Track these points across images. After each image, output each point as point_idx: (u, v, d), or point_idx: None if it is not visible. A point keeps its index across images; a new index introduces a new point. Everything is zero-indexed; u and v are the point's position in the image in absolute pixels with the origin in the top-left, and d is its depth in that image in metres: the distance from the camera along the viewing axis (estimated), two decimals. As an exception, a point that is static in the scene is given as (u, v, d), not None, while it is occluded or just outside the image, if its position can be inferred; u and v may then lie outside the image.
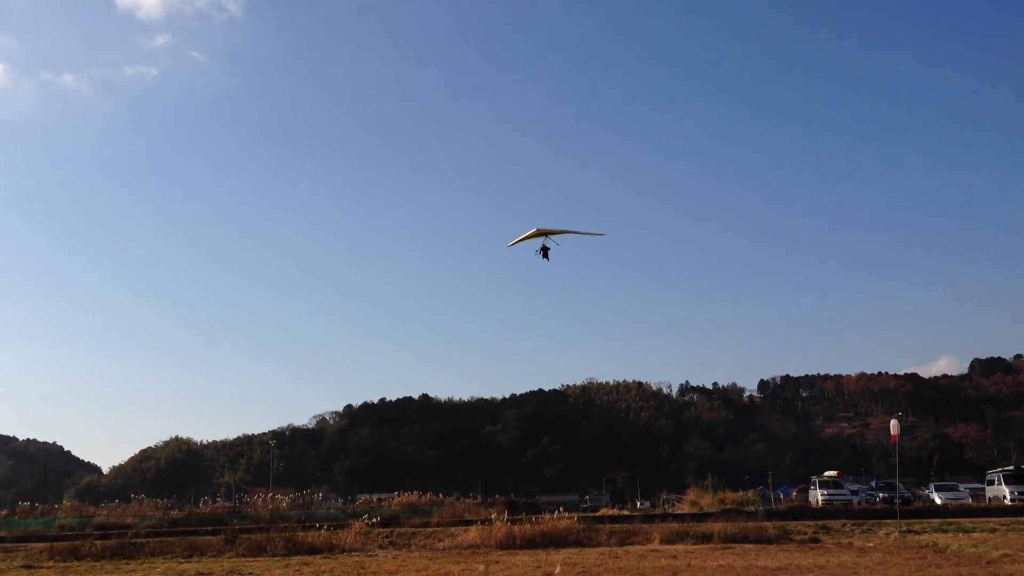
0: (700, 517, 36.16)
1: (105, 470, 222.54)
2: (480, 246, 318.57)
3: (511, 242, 29.14)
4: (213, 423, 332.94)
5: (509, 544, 28.54)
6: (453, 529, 33.90)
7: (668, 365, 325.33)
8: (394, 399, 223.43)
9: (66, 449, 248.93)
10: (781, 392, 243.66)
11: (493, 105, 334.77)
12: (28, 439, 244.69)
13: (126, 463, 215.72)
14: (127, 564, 26.97)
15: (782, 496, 72.34)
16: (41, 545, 33.45)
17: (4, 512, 67.50)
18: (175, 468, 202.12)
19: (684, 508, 55.31)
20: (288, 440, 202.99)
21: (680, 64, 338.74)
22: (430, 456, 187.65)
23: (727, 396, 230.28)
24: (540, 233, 28.81)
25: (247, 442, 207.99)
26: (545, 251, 29.11)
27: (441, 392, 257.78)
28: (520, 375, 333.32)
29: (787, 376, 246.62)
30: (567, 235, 29.14)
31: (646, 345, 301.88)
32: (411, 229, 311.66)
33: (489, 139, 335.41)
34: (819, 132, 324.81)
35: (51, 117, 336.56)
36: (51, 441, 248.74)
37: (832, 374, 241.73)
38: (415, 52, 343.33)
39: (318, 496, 71.93)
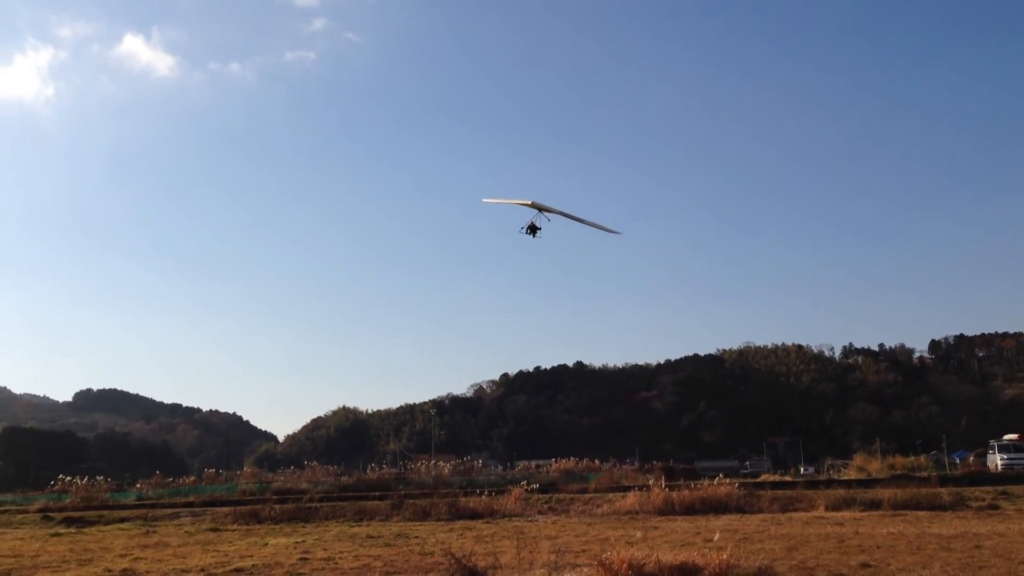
0: (868, 483, 34.88)
1: (280, 438, 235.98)
2: (634, 208, 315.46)
3: (489, 199, 27.60)
4: (377, 393, 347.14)
5: (667, 510, 28.46)
6: (611, 495, 34.06)
7: (829, 327, 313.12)
8: (549, 367, 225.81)
9: (245, 419, 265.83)
10: (955, 352, 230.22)
11: (654, 66, 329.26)
12: (211, 410, 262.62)
13: (299, 432, 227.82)
14: (303, 527, 28.58)
15: (957, 461, 68.74)
16: (225, 509, 35.83)
17: (192, 479, 72.72)
18: (344, 436, 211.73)
19: (850, 474, 53.50)
20: (448, 408, 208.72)
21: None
22: (586, 423, 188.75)
23: (895, 358, 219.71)
24: (534, 206, 27.60)
25: (409, 411, 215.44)
26: (533, 229, 27.74)
27: (596, 359, 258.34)
28: (674, 340, 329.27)
29: (961, 335, 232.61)
30: (584, 225, 27.91)
31: (805, 307, 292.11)
32: (568, 191, 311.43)
33: (654, 101, 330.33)
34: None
35: (220, 105, 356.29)
36: (231, 412, 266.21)
37: (1012, 332, 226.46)
38: (573, 19, 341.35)
39: (478, 463, 73.81)
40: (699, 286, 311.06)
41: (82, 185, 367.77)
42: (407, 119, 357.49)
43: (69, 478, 59.90)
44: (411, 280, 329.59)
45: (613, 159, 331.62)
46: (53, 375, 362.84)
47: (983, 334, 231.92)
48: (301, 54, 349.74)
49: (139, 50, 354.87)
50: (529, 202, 27.08)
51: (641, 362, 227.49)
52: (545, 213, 28.66)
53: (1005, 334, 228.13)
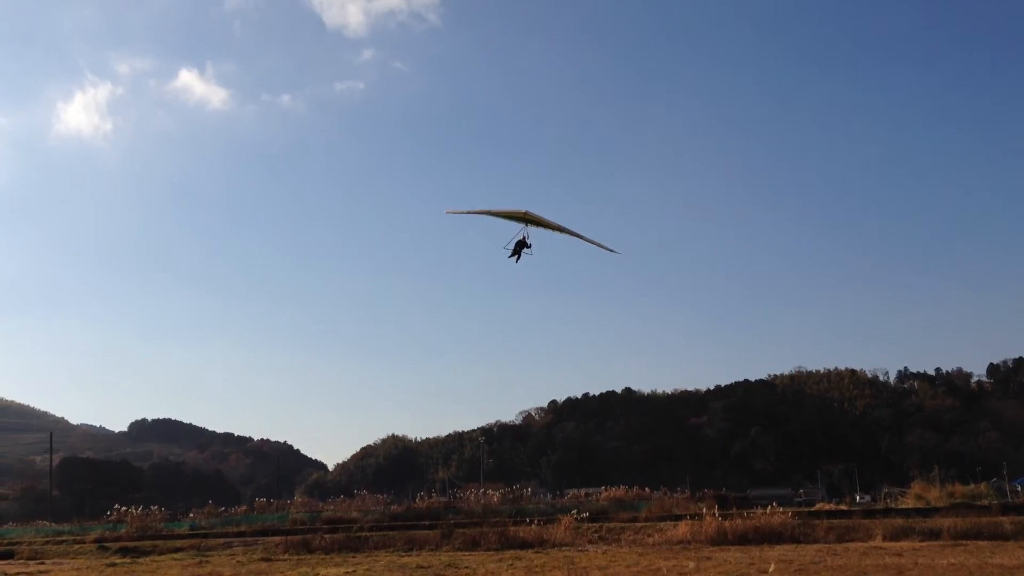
0: (926, 512, 34.07)
1: (330, 467, 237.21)
2: (675, 233, 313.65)
3: (453, 211, 26.53)
4: (427, 422, 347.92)
5: (720, 540, 28.07)
6: (662, 524, 33.70)
7: (883, 351, 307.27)
8: (597, 393, 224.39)
9: (295, 448, 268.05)
10: (1014, 376, 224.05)
11: (698, 92, 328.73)
12: (262, 439, 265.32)
13: (348, 460, 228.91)
14: (354, 557, 28.69)
15: (1019, 488, 66.80)
16: (277, 539, 36.15)
17: (244, 508, 73.37)
18: (393, 464, 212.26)
19: (908, 502, 52.28)
20: (496, 436, 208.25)
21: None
22: (635, 450, 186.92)
23: (952, 382, 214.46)
24: (525, 219, 25.16)
25: (458, 439, 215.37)
26: (519, 248, 25.67)
27: (644, 385, 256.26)
28: (724, 365, 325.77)
29: (1020, 359, 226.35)
30: (585, 242, 26.11)
31: (858, 330, 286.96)
32: (612, 218, 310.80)
33: (692, 129, 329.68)
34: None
35: (272, 137, 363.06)
36: (282, 441, 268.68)
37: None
38: (615, 43, 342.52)
39: (527, 491, 73.44)
40: (749, 311, 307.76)
41: (137, 217, 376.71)
42: (452, 147, 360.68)
43: (124, 508, 60.87)
44: (459, 307, 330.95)
45: (664, 187, 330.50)
46: (109, 406, 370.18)
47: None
48: (350, 84, 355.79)
49: (194, 84, 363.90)
50: (522, 212, 24.94)
51: (691, 388, 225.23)
52: (537, 227, 27.48)
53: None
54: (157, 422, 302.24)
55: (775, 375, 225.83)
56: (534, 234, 25.20)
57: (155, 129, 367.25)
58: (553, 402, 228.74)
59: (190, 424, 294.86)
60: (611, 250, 26.40)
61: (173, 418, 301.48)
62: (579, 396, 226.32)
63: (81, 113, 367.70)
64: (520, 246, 26.34)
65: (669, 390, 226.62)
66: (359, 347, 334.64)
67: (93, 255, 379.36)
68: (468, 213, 26.07)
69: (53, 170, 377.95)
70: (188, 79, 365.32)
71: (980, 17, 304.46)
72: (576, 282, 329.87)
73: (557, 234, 25.92)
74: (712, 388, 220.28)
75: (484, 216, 25.82)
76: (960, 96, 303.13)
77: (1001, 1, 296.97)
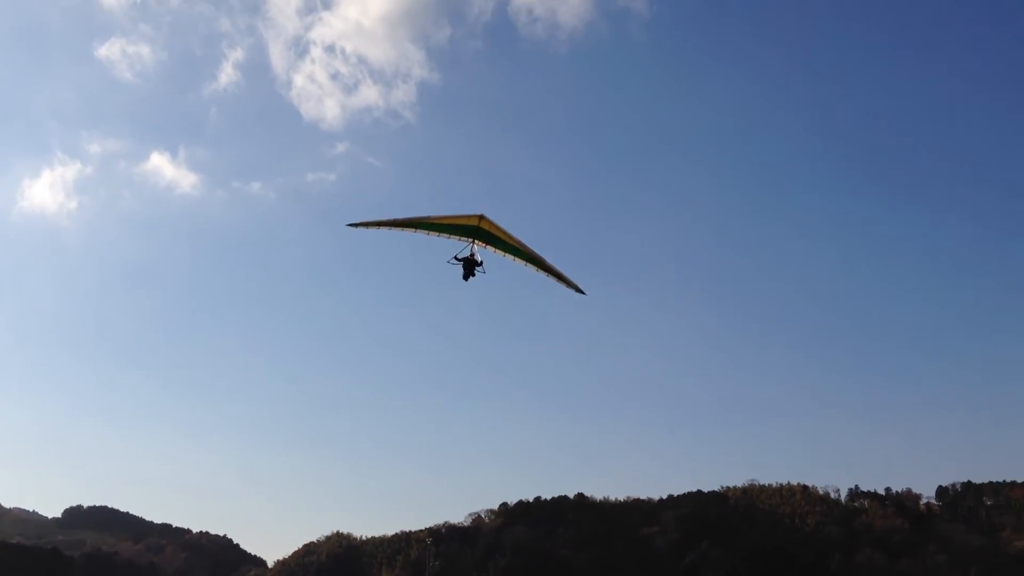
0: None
1: (270, 563, 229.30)
2: (634, 339, 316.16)
3: (356, 223, 24.32)
4: (373, 519, 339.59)
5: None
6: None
7: (836, 468, 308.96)
8: (550, 498, 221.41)
9: (235, 542, 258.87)
10: (962, 500, 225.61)
11: (675, 213, 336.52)
12: (201, 531, 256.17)
13: (290, 557, 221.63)
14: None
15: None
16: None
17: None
18: (336, 563, 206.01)
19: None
20: (444, 538, 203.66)
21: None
22: (586, 558, 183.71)
23: (902, 503, 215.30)
24: (481, 227, 23.79)
25: (405, 539, 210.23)
26: (470, 265, 24.55)
27: (597, 491, 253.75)
28: (678, 474, 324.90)
29: (969, 483, 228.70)
30: (541, 271, 25.77)
31: (812, 446, 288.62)
32: (559, 329, 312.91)
33: (668, 241, 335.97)
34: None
35: (239, 224, 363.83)
36: (222, 534, 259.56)
37: (1020, 481, 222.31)
38: (592, 145, 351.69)
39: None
40: (705, 421, 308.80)
41: (92, 297, 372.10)
42: (419, 245, 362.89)
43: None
44: (412, 404, 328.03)
45: (630, 295, 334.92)
46: (44, 489, 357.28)
47: (991, 482, 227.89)
48: (322, 175, 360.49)
49: (164, 167, 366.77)
50: (476, 217, 24.19)
51: (644, 496, 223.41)
52: (488, 249, 26.26)
53: (1013, 483, 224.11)
54: (93, 509, 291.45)
55: (728, 487, 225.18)
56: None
57: (120, 210, 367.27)
58: (504, 504, 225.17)
59: (127, 513, 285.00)
60: (579, 290, 26.29)
61: (110, 505, 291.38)
62: (531, 499, 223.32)
63: (47, 190, 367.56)
64: (470, 264, 25.33)
65: (622, 497, 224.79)
66: (306, 440, 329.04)
67: (42, 332, 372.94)
68: (375, 226, 24.43)
69: (11, 246, 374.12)
70: (159, 162, 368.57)
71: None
72: (532, 384, 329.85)
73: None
74: (665, 497, 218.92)
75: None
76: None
77: None
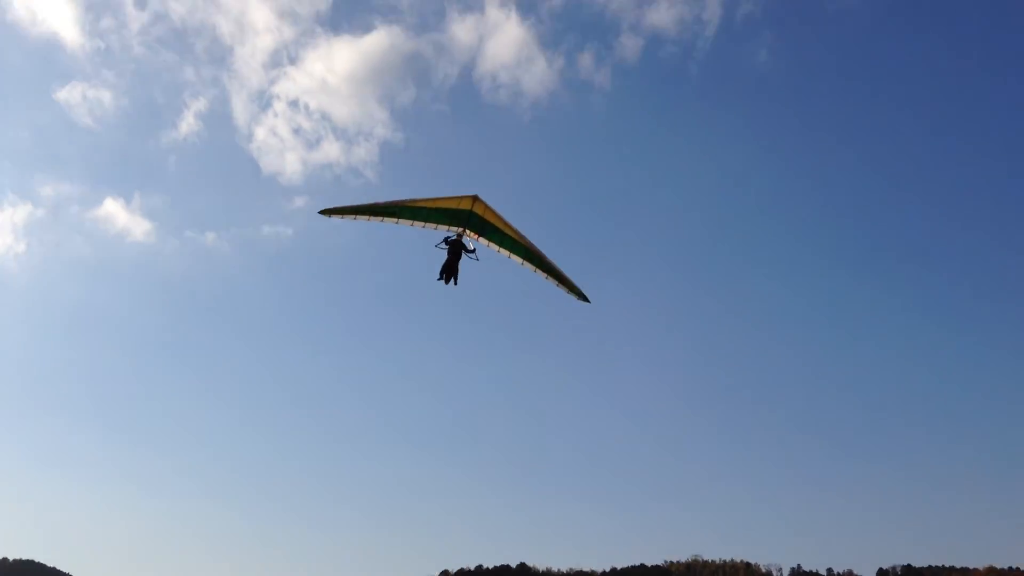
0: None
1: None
2: (579, 409, 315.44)
3: (328, 210, 22.64)
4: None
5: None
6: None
7: (779, 545, 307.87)
8: (492, 566, 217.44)
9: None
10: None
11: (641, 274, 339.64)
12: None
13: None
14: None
15: None
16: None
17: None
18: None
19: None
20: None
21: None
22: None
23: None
24: (474, 209, 22.04)
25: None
26: (456, 250, 22.81)
27: (540, 560, 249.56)
28: (621, 547, 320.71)
29: (909, 566, 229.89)
30: (544, 276, 23.50)
31: (756, 522, 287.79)
32: (505, 389, 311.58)
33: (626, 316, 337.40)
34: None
35: (190, 274, 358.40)
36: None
37: (959, 566, 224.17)
38: (545, 214, 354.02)
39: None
40: (650, 492, 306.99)
41: (33, 342, 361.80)
42: (373, 302, 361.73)
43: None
44: (349, 462, 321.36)
45: (574, 368, 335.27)
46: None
47: (931, 566, 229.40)
48: (279, 229, 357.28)
49: (118, 213, 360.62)
50: (470, 199, 22.02)
51: (587, 568, 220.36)
52: (481, 242, 23.21)
53: (952, 568, 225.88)
54: (18, 563, 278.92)
55: (671, 561, 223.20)
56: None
57: (70, 254, 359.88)
58: (445, 572, 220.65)
59: (54, 568, 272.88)
60: (584, 297, 24.03)
61: (36, 560, 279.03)
62: (472, 568, 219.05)
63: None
64: (457, 250, 23.52)
65: (565, 568, 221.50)
66: (253, 496, 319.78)
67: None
68: (352, 215, 22.89)
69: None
70: (113, 208, 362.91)
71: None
72: (476, 447, 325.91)
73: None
74: (608, 570, 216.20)
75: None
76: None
77: None
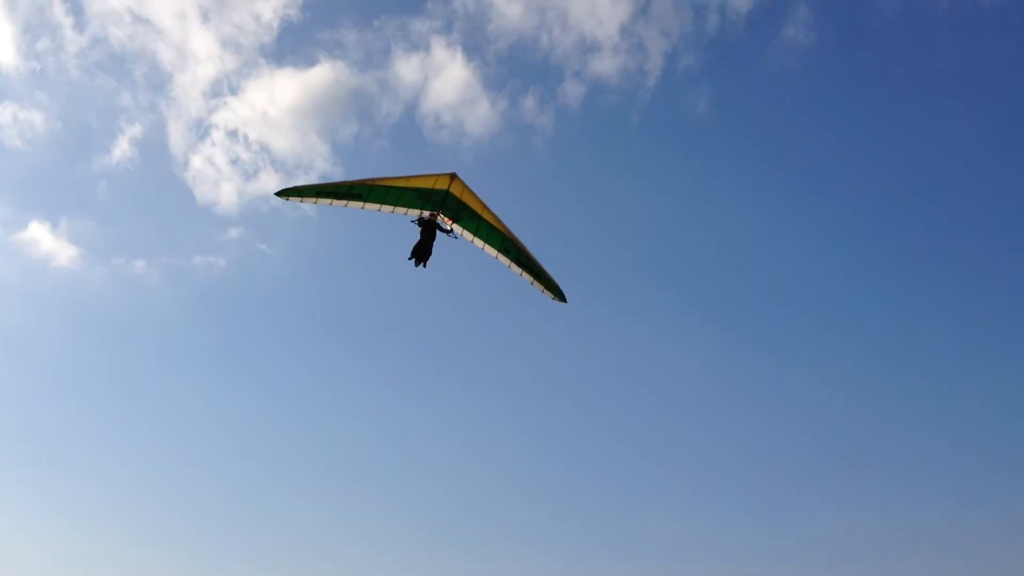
0: None
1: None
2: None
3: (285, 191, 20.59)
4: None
5: None
6: None
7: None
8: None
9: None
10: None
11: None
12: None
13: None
14: None
15: None
16: None
17: None
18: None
19: None
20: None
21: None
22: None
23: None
24: (451, 190, 20.22)
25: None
26: (431, 232, 20.98)
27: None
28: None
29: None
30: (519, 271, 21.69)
31: None
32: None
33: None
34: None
35: (116, 301, 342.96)
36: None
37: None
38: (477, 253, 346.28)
39: None
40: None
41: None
42: (307, 336, 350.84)
43: None
44: (279, 502, 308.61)
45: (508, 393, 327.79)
46: None
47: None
48: (211, 259, 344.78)
49: (43, 238, 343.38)
50: (447, 177, 20.24)
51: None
52: (454, 229, 21.20)
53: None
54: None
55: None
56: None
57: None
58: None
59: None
60: (562, 297, 21.78)
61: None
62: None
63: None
64: (431, 230, 20.97)
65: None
66: (181, 532, 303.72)
67: None
68: (312, 198, 20.92)
69: None
70: (38, 232, 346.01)
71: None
72: (426, 492, 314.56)
73: None
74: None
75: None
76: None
77: None
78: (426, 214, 20.95)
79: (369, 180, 19.99)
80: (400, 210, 20.90)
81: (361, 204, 20.57)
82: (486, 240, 21.28)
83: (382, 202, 20.66)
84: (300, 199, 20.29)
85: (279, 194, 20.12)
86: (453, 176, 19.97)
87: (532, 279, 21.48)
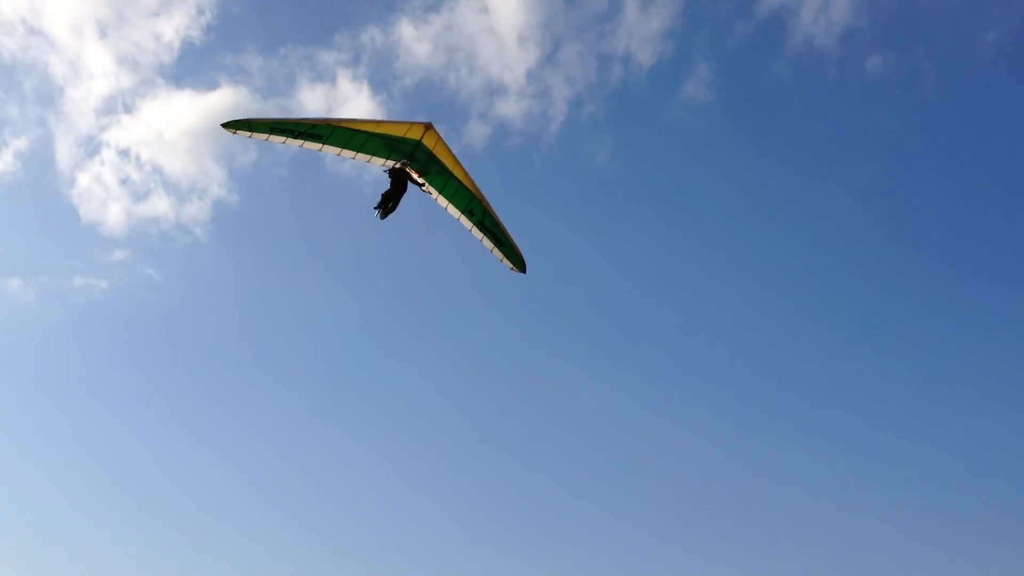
0: None
1: None
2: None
3: (233, 125, 18.69)
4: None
5: None
6: None
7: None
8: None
9: None
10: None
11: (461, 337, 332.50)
12: None
13: None
14: None
15: None
16: None
17: None
18: None
19: None
20: None
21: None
22: None
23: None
24: (423, 141, 19.26)
25: None
26: (400, 181, 19.97)
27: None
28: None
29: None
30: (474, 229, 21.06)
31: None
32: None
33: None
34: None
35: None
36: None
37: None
38: (372, 288, 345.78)
39: None
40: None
41: None
42: (189, 364, 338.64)
43: None
44: (153, 537, 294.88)
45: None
46: None
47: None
48: (92, 281, 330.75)
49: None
50: (422, 127, 19.07)
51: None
52: (422, 186, 20.43)
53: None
54: None
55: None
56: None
57: None
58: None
59: None
60: (522, 266, 20.84)
61: None
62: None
63: None
64: (400, 180, 19.67)
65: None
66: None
67: None
68: (264, 133, 18.85)
69: None
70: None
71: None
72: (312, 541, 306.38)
73: None
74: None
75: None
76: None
77: None
78: (390, 164, 19.86)
79: (334, 120, 18.55)
80: (363, 157, 19.71)
81: (319, 146, 19.21)
82: (451, 198, 20.60)
83: (344, 146, 19.40)
84: (249, 133, 18.50)
85: (226, 126, 18.33)
86: (428, 126, 18.92)
87: (493, 246, 21.04)
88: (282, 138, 18.71)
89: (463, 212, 20.66)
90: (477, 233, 20.78)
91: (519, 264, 21.48)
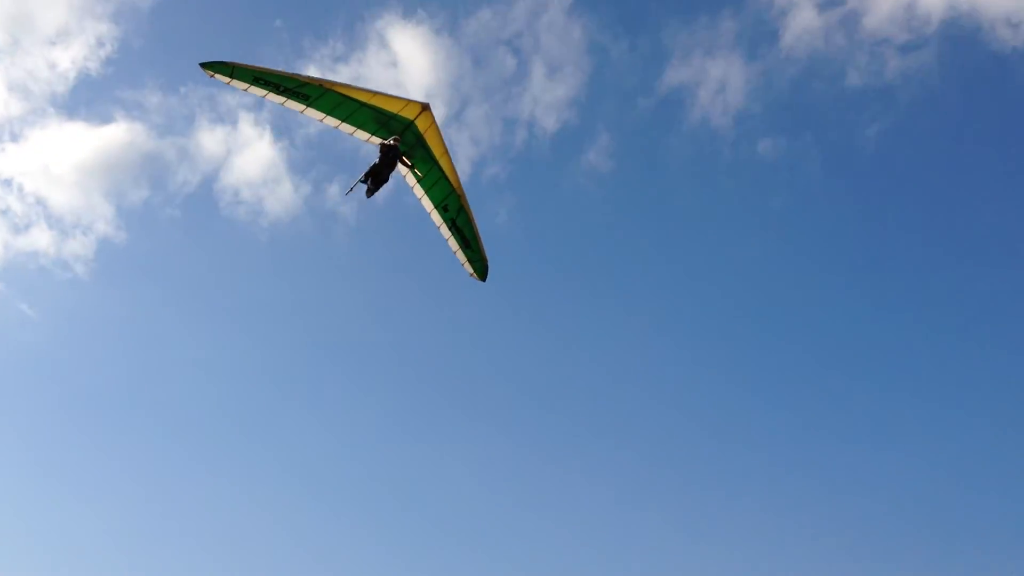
0: None
1: None
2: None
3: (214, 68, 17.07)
4: None
5: None
6: None
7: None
8: None
9: None
10: None
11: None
12: None
13: None
14: None
15: None
16: None
17: None
18: None
19: None
20: None
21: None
22: None
23: None
24: (417, 121, 18.13)
25: None
26: (391, 157, 18.72)
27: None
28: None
29: None
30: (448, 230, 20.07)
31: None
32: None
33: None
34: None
35: None
36: None
37: None
38: (267, 335, 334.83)
39: None
40: None
41: None
42: (65, 408, 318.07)
43: None
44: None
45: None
46: None
47: None
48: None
49: None
50: (419, 105, 17.80)
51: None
52: (408, 170, 19.24)
53: None
54: None
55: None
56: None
57: None
58: None
59: None
60: (484, 274, 20.05)
61: None
62: None
63: None
64: (393, 159, 18.15)
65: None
66: None
67: None
68: (246, 82, 17.15)
69: None
70: None
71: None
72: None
73: None
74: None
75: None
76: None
77: None
78: (376, 140, 18.61)
79: (326, 81, 17.14)
80: (346, 128, 18.40)
81: (302, 107, 17.59)
82: (428, 189, 19.34)
83: (329, 112, 17.94)
84: (229, 79, 16.61)
85: (204, 66, 16.45)
86: (426, 107, 17.73)
87: (458, 247, 19.82)
88: (264, 91, 17.08)
89: (437, 207, 19.47)
90: (445, 232, 19.64)
91: (481, 271, 20.30)
